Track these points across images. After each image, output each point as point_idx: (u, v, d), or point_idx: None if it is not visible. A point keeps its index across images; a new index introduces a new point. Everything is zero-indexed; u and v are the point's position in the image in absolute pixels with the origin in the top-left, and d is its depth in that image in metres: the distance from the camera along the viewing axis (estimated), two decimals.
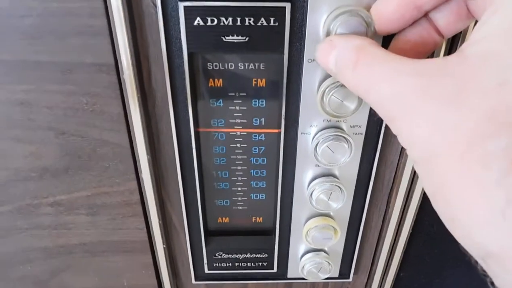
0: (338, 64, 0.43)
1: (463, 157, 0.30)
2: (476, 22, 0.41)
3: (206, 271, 0.76)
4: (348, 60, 0.41)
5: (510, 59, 0.31)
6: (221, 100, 0.57)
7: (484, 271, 0.33)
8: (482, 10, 0.38)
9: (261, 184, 0.66)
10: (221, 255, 0.73)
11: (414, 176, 0.65)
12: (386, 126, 0.59)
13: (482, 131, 0.30)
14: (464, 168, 0.30)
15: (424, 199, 0.68)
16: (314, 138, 0.58)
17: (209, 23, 0.50)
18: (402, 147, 0.63)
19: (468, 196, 0.30)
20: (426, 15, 0.44)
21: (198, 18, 0.49)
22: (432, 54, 0.51)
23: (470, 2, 0.41)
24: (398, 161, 0.64)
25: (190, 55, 0.53)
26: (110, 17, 0.50)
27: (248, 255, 0.74)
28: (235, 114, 0.59)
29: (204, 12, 0.49)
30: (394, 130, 0.37)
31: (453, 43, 0.52)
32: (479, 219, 0.30)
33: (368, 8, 0.46)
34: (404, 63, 0.37)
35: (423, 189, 0.66)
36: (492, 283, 0.32)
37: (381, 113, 0.38)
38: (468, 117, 0.31)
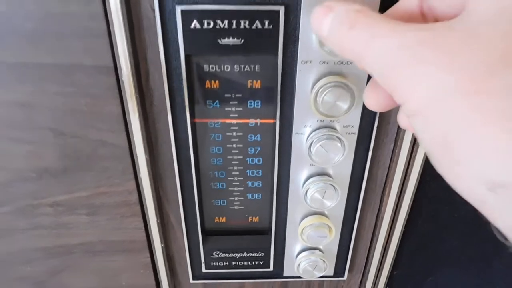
0: (333, 25, 0.41)
1: (476, 92, 0.31)
2: None
3: (204, 270, 0.77)
4: (345, 20, 0.40)
5: None
6: (217, 101, 0.59)
7: (486, 221, 0.33)
8: None
9: (257, 184, 0.67)
10: (218, 254, 0.74)
11: (406, 175, 0.66)
12: (378, 127, 0.60)
13: (494, 66, 0.30)
14: (477, 102, 0.31)
15: (416, 198, 0.69)
16: (308, 138, 0.59)
17: (205, 26, 0.51)
18: (394, 147, 0.64)
19: (481, 129, 0.31)
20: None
21: (195, 21, 0.51)
22: None
23: None
24: (391, 160, 0.65)
25: (187, 57, 0.54)
26: (110, 21, 0.51)
27: (245, 254, 0.75)
28: (231, 115, 0.60)
29: (201, 15, 0.50)
30: (391, 84, 0.36)
31: None
32: (493, 149, 0.30)
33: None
34: (406, 23, 0.36)
35: (415, 188, 0.67)
36: (496, 228, 0.33)
37: (377, 68, 0.37)
38: (478, 57, 0.31)
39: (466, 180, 0.33)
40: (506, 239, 0.33)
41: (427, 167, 0.65)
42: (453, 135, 0.32)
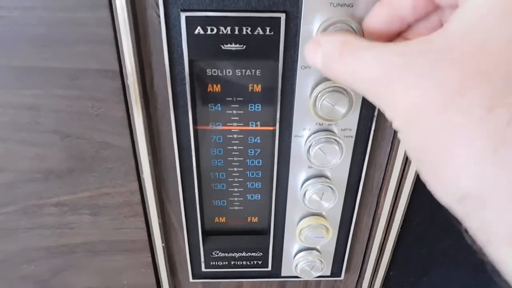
0: (325, 59, 0.45)
1: (444, 109, 0.32)
2: None
3: (203, 269, 0.78)
4: (333, 53, 0.43)
5: (489, 27, 0.33)
6: (219, 104, 0.60)
7: (457, 221, 0.35)
8: None
9: (256, 185, 0.69)
10: (217, 254, 0.76)
11: (402, 177, 0.67)
12: (375, 130, 0.62)
13: (462, 85, 0.32)
14: (445, 118, 0.32)
15: (412, 200, 0.71)
16: (307, 141, 0.61)
17: (209, 32, 0.52)
18: (390, 150, 0.65)
19: (449, 143, 0.33)
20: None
21: (199, 27, 0.52)
22: None
23: (448, 17, 0.43)
24: (387, 163, 0.67)
25: (190, 62, 0.55)
26: (116, 26, 0.52)
27: (244, 254, 0.76)
28: (232, 118, 0.61)
29: (204, 21, 0.52)
30: (381, 105, 0.39)
31: None
32: (459, 162, 0.32)
33: (356, 19, 0.49)
34: (386, 46, 0.39)
35: (411, 190, 0.69)
36: (466, 231, 0.35)
37: (368, 94, 0.40)
38: (448, 76, 0.33)
39: (439, 190, 0.35)
40: (474, 242, 0.35)
41: None
42: (428, 150, 0.35)
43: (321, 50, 0.45)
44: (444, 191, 0.35)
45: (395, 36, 0.47)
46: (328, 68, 0.45)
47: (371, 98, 0.41)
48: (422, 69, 0.35)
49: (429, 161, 0.35)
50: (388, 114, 0.39)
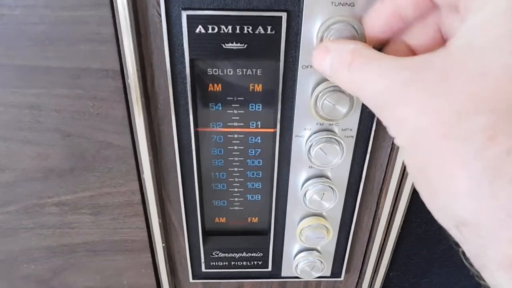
0: (333, 67, 0.45)
1: (445, 136, 0.33)
2: None
3: (203, 269, 0.78)
4: (343, 62, 0.44)
5: (490, 52, 0.33)
6: (220, 104, 0.60)
7: (456, 243, 0.36)
8: (457, 27, 0.41)
9: (257, 185, 0.69)
10: (218, 254, 0.76)
11: (402, 178, 0.67)
12: (376, 130, 0.62)
13: (463, 111, 0.32)
14: (446, 145, 0.33)
15: (412, 200, 0.71)
16: (308, 141, 0.61)
17: (210, 30, 0.53)
18: (391, 151, 0.65)
19: (448, 169, 0.33)
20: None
21: (200, 26, 0.52)
22: None
23: (445, 23, 0.44)
24: (388, 164, 0.67)
25: (191, 61, 0.55)
26: (117, 25, 0.52)
27: (244, 254, 0.76)
28: (233, 118, 0.61)
29: (206, 20, 0.52)
30: (384, 121, 0.40)
31: None
32: (457, 189, 0.32)
33: (358, 18, 0.49)
34: (393, 60, 0.39)
35: (411, 191, 0.69)
36: (463, 253, 0.35)
37: (373, 106, 0.41)
38: (450, 101, 0.33)
39: (437, 213, 0.36)
40: (471, 265, 0.35)
41: None
42: (427, 172, 0.35)
43: (330, 57, 0.46)
44: (441, 214, 0.36)
45: (395, 35, 0.47)
46: (336, 76, 0.45)
47: (374, 111, 0.42)
48: (426, 90, 0.35)
49: (428, 183, 0.36)
50: (391, 132, 0.39)
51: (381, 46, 0.49)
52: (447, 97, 0.34)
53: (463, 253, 0.35)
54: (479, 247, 0.33)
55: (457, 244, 0.36)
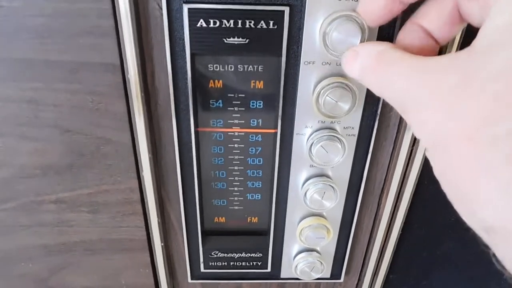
0: (362, 70, 0.46)
1: (472, 140, 0.32)
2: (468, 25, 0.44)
3: (202, 270, 0.77)
4: (369, 66, 0.44)
5: None
6: (220, 100, 0.59)
7: (485, 244, 0.35)
8: (476, 12, 0.40)
9: (257, 184, 0.68)
10: (217, 254, 0.75)
11: (404, 179, 0.67)
12: (378, 129, 0.61)
13: (489, 115, 0.32)
14: (472, 150, 0.32)
15: (413, 202, 0.70)
16: (309, 139, 0.60)
17: (211, 25, 0.52)
18: (393, 151, 0.65)
19: (476, 176, 0.32)
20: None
21: (201, 20, 0.52)
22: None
23: (463, 4, 0.43)
24: (389, 163, 0.66)
25: (192, 55, 0.55)
26: (118, 18, 0.52)
27: (243, 255, 0.75)
28: (233, 115, 0.61)
29: (207, 14, 0.51)
30: (408, 121, 0.40)
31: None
32: (485, 196, 0.32)
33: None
34: (418, 61, 0.39)
35: (412, 191, 0.68)
36: (494, 255, 0.34)
37: (398, 108, 0.41)
38: (475, 104, 0.33)
39: (465, 216, 0.35)
40: (504, 268, 0.35)
41: (425, 170, 0.66)
42: (453, 175, 0.35)
43: (359, 61, 0.46)
44: (470, 218, 0.35)
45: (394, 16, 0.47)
46: (364, 80, 0.46)
47: (400, 112, 0.42)
48: (451, 93, 0.35)
49: (455, 186, 0.36)
50: (416, 134, 0.39)
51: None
52: (472, 100, 0.33)
53: (494, 255, 0.35)
54: (509, 252, 0.33)
55: (487, 246, 0.35)
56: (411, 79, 0.39)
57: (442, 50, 0.53)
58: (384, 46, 0.44)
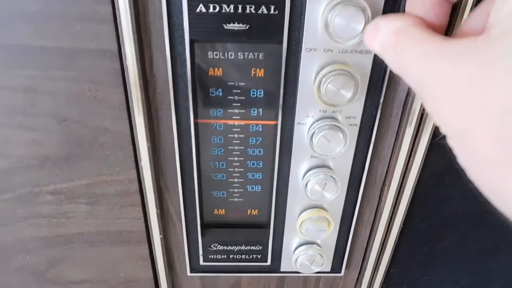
0: (382, 48, 0.44)
1: (495, 132, 0.32)
2: None
3: (201, 263, 0.77)
4: (389, 44, 0.43)
5: None
6: (220, 89, 0.59)
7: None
8: None
9: (257, 176, 0.67)
10: (216, 247, 0.75)
11: (406, 171, 0.66)
12: (380, 120, 0.61)
13: (508, 108, 0.31)
14: (496, 143, 0.32)
15: (415, 195, 0.69)
16: (310, 128, 0.60)
17: (211, 10, 0.51)
18: (395, 142, 0.64)
19: (499, 171, 0.32)
20: None
21: (201, 5, 0.51)
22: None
23: None
24: (391, 156, 0.66)
25: (191, 42, 0.54)
26: (115, 4, 0.51)
27: (243, 247, 0.75)
28: (233, 104, 0.60)
29: None
30: (427, 109, 0.39)
31: None
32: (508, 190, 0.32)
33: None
34: (436, 45, 0.38)
35: (414, 184, 0.68)
36: None
37: (416, 91, 0.40)
38: (496, 93, 0.32)
39: (497, 204, 0.35)
40: None
41: (427, 163, 0.65)
42: (479, 166, 0.35)
43: (379, 37, 0.45)
44: (503, 208, 0.35)
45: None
46: (384, 56, 0.45)
47: (418, 95, 0.42)
48: (470, 78, 0.34)
49: (482, 177, 0.35)
50: (435, 120, 0.39)
51: None
52: (491, 88, 0.32)
53: None
54: None
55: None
56: (429, 67, 0.38)
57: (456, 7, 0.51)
58: (403, 21, 0.43)
